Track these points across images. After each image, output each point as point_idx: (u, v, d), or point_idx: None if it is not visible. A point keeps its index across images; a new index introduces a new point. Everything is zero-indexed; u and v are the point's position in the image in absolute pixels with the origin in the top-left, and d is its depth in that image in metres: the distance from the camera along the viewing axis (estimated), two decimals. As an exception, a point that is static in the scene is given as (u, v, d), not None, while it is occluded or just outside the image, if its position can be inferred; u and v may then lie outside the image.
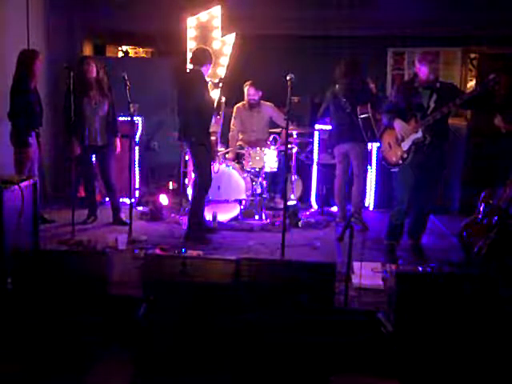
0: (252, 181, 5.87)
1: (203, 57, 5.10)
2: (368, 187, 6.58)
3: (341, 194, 5.84)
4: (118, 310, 3.44)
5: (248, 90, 6.41)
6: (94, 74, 5.45)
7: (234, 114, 6.54)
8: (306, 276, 3.37)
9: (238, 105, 6.53)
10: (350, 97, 5.58)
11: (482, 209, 4.37)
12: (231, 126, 6.56)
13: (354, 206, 5.70)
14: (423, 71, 4.44)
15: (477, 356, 3.05)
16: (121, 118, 5.89)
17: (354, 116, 5.55)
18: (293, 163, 6.29)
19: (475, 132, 6.22)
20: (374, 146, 6.23)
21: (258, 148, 5.87)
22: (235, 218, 5.77)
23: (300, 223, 5.77)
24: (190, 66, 5.39)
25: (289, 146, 5.90)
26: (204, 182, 5.10)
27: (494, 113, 4.51)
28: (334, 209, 6.39)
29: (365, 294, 3.85)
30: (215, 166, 5.58)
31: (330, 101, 5.80)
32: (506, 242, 4.12)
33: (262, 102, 6.51)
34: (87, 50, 7.63)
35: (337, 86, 5.70)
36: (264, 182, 5.90)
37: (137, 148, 6.47)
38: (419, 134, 4.47)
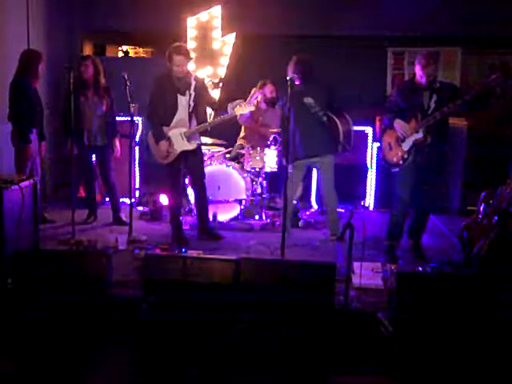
0: (252, 181, 5.87)
1: (167, 52, 4.91)
2: (368, 187, 6.60)
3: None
4: (118, 309, 3.44)
5: (269, 87, 6.29)
6: (91, 74, 5.45)
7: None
8: (306, 276, 3.37)
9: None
10: (316, 96, 4.96)
11: (482, 209, 4.37)
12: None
13: (332, 220, 5.28)
14: (417, 73, 4.48)
15: (476, 356, 3.05)
16: (121, 118, 5.89)
17: (322, 119, 5.03)
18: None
19: (475, 132, 6.22)
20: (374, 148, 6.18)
21: (258, 148, 5.87)
22: (235, 218, 5.76)
23: (300, 223, 5.78)
24: None
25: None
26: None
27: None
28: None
29: (365, 293, 3.85)
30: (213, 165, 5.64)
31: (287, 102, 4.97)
32: (505, 242, 4.12)
33: None
34: (87, 50, 7.63)
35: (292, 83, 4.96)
36: (264, 182, 5.90)
37: (137, 148, 6.47)
38: (420, 135, 4.46)
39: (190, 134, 4.98)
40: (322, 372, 3.14)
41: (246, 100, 5.33)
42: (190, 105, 4.96)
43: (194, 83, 4.96)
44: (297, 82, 4.97)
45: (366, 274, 4.05)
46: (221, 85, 6.07)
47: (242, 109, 5.03)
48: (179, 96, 4.93)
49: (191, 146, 5.01)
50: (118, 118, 5.78)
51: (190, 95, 4.95)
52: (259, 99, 5.85)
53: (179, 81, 4.92)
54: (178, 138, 4.97)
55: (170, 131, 4.97)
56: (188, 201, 5.91)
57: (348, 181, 6.58)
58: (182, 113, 4.96)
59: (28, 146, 5.13)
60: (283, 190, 4.50)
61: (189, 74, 4.99)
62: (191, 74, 5.05)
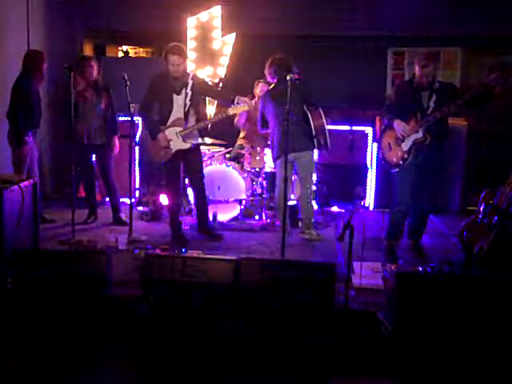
0: (252, 181, 5.87)
1: (163, 52, 4.94)
2: (368, 187, 6.59)
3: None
4: (118, 309, 3.44)
5: (262, 87, 6.31)
6: (95, 75, 5.48)
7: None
8: (305, 276, 3.37)
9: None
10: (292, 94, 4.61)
11: (482, 209, 4.37)
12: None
13: (304, 215, 5.39)
14: (417, 73, 4.48)
15: (476, 355, 3.05)
16: (121, 118, 5.89)
17: (299, 121, 5.07)
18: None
19: (475, 132, 6.22)
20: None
21: (258, 148, 5.87)
22: (235, 218, 5.76)
23: (300, 223, 5.77)
24: None
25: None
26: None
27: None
28: (334, 209, 6.40)
29: (365, 293, 3.85)
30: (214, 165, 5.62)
31: (265, 105, 5.32)
32: (505, 242, 4.12)
33: None
34: (87, 50, 7.63)
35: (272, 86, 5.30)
36: (264, 182, 5.89)
37: (137, 148, 6.47)
38: (419, 135, 4.47)
39: (185, 133, 4.98)
40: (321, 372, 3.14)
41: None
42: (185, 104, 4.96)
43: (191, 82, 4.96)
44: (273, 81, 5.18)
45: (366, 274, 4.04)
46: (221, 85, 6.05)
47: (236, 109, 5.03)
48: (175, 95, 4.94)
49: (186, 146, 5.01)
50: (118, 118, 5.78)
51: (187, 94, 4.95)
52: (257, 100, 5.86)
53: (175, 80, 4.92)
54: (174, 137, 4.97)
55: (166, 130, 4.97)
56: (188, 201, 5.91)
57: (348, 181, 6.59)
58: (177, 112, 4.96)
59: (23, 147, 5.14)
60: (279, 189, 4.49)
61: (186, 74, 5.00)
62: (189, 74, 5.05)
